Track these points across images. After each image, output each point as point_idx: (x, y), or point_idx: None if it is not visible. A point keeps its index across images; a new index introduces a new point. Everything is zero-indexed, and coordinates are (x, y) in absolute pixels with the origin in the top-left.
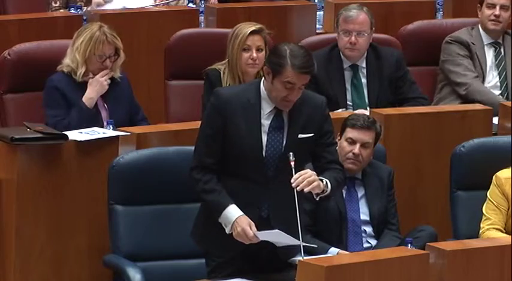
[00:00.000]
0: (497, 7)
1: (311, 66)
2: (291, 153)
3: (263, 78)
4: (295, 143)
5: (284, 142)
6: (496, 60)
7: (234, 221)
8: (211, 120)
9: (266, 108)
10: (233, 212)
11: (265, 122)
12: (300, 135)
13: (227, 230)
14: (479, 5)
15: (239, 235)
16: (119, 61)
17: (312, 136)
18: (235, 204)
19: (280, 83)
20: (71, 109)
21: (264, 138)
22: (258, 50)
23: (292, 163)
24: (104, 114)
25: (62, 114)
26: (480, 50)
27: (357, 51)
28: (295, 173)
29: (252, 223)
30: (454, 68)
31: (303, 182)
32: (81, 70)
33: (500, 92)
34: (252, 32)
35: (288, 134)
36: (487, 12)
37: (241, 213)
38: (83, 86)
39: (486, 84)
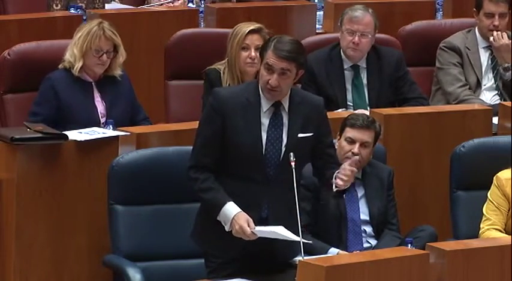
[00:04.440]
0: (496, 16)
1: (292, 53)
2: (291, 153)
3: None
4: (294, 142)
5: (284, 141)
6: (491, 63)
7: (232, 218)
8: (209, 119)
9: (265, 106)
10: (231, 209)
11: (265, 121)
12: (300, 135)
13: (227, 228)
14: (475, 10)
15: (237, 232)
16: (118, 59)
17: (311, 136)
18: (236, 204)
19: (263, 67)
20: (59, 110)
21: (264, 136)
22: (257, 49)
23: (293, 163)
24: (100, 108)
25: (45, 114)
26: (475, 54)
27: (359, 51)
28: (296, 173)
29: (250, 220)
30: (445, 77)
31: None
32: (78, 64)
33: (496, 93)
34: (251, 31)
35: (288, 133)
36: (486, 21)
37: (239, 210)
38: (79, 82)
39: (483, 87)
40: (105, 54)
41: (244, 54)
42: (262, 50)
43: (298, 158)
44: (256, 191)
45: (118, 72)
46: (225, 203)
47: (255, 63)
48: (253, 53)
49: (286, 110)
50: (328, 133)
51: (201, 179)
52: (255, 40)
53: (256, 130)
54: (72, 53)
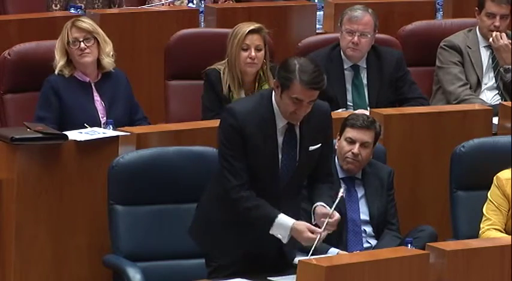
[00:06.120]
0: (498, 17)
1: (320, 82)
2: (342, 189)
3: (273, 91)
4: (307, 156)
5: (297, 157)
6: (492, 63)
7: (291, 229)
8: (232, 140)
9: (279, 123)
10: (285, 221)
11: (279, 138)
12: (311, 148)
13: (285, 240)
14: (477, 9)
15: (304, 240)
16: (103, 47)
17: (321, 145)
18: None
19: (289, 98)
20: (62, 111)
21: (280, 155)
22: (257, 49)
23: (341, 194)
24: (99, 108)
25: (51, 117)
26: (476, 52)
27: (358, 51)
28: (336, 202)
29: (309, 224)
30: (445, 76)
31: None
32: (61, 63)
33: (497, 92)
34: (251, 31)
35: (300, 148)
36: (487, 21)
37: (293, 220)
38: (77, 83)
39: (483, 86)
40: (82, 43)
41: (244, 54)
42: (283, 78)
43: (308, 168)
44: (268, 203)
45: (107, 60)
46: (275, 217)
47: (255, 63)
48: (253, 53)
49: (298, 123)
50: (330, 140)
51: (245, 197)
52: (255, 40)
53: (274, 151)
54: (55, 56)
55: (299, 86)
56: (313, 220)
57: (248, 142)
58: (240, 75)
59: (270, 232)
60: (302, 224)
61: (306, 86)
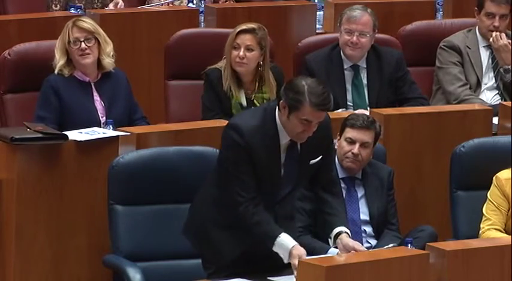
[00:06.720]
0: (497, 17)
1: (329, 103)
2: (391, 246)
3: (278, 109)
4: (306, 169)
5: (298, 171)
6: (492, 63)
7: (290, 252)
8: (239, 158)
9: (283, 140)
10: (286, 242)
11: (282, 155)
12: (312, 161)
13: (286, 260)
14: (476, 9)
15: (292, 266)
16: (104, 48)
17: (321, 157)
18: None
19: (297, 119)
20: (62, 111)
21: (282, 170)
22: (247, 49)
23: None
24: (99, 108)
25: (51, 117)
26: (475, 52)
27: (358, 50)
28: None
29: (302, 254)
30: (445, 76)
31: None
32: (61, 62)
33: (497, 92)
34: (242, 31)
35: (302, 163)
36: (487, 22)
37: (294, 242)
38: (77, 82)
39: (483, 86)
40: (82, 43)
41: (235, 53)
42: (291, 100)
43: (306, 179)
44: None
45: (107, 60)
46: (277, 236)
47: (244, 63)
48: (241, 53)
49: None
50: (331, 149)
51: (251, 213)
52: (246, 40)
53: (276, 166)
54: (55, 56)
55: (309, 108)
56: (331, 243)
57: (252, 157)
58: (232, 74)
59: (273, 250)
60: (298, 251)
61: (316, 108)
